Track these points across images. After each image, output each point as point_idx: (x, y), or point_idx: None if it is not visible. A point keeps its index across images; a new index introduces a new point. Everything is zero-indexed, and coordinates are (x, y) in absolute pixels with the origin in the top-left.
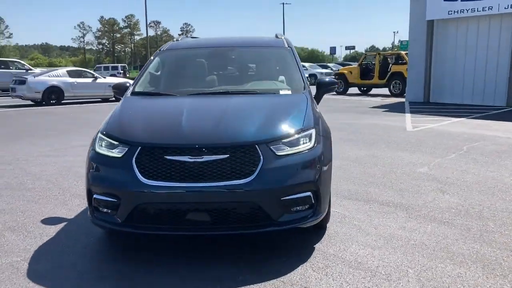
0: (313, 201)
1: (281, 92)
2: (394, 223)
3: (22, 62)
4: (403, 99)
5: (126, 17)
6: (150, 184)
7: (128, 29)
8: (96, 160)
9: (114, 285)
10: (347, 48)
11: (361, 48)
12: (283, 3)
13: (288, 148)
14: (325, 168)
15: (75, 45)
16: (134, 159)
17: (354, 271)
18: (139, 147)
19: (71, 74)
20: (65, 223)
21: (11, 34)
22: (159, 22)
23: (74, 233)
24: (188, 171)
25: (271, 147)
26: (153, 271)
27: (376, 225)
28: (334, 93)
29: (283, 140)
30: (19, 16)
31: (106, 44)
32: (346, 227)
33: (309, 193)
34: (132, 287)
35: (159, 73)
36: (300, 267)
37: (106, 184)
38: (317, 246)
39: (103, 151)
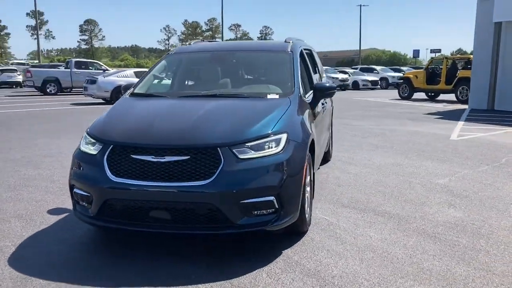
0: (276, 206)
1: (269, 96)
2: (377, 234)
3: (100, 63)
4: (467, 106)
5: (208, 20)
6: (117, 181)
7: (210, 32)
8: (78, 157)
9: (80, 275)
10: (432, 51)
11: (447, 51)
12: (360, 5)
13: (253, 151)
14: (293, 172)
15: (161, 47)
16: (105, 157)
17: (307, 279)
18: (111, 146)
19: (137, 74)
20: (67, 213)
21: (104, 36)
22: (239, 25)
23: (72, 224)
24: (151, 171)
25: (234, 150)
26: (119, 263)
27: (357, 235)
28: (398, 98)
29: (247, 144)
30: (111, 19)
31: None
32: (325, 235)
33: (271, 198)
34: (97, 278)
35: (163, 75)
36: (256, 271)
37: (82, 179)
38: (285, 251)
39: (84, 148)
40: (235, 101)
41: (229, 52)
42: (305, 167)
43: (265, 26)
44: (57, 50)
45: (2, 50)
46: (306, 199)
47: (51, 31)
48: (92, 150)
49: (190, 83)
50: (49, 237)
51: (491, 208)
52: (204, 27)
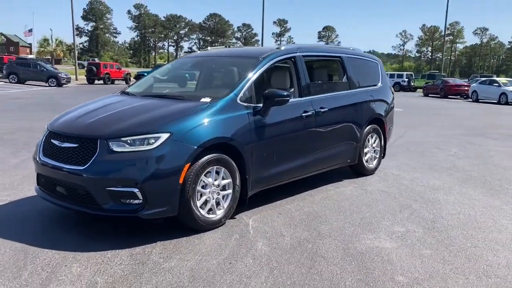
0: (140, 198)
1: (202, 100)
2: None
3: None
4: None
5: (450, 24)
6: (43, 159)
7: (451, 37)
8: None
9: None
10: None
11: None
12: None
13: (128, 146)
14: (165, 170)
15: (397, 52)
16: (42, 140)
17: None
18: (47, 132)
19: None
20: None
21: (339, 42)
22: (486, 29)
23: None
24: (56, 153)
25: (109, 142)
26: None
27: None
28: None
29: (123, 138)
30: (349, 25)
31: (425, 52)
32: (220, 234)
33: (135, 189)
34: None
35: (165, 77)
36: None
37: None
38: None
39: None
40: (161, 102)
41: (212, 58)
42: (185, 167)
43: None
44: None
45: None
46: (190, 197)
47: (292, 37)
48: (43, 134)
49: (161, 84)
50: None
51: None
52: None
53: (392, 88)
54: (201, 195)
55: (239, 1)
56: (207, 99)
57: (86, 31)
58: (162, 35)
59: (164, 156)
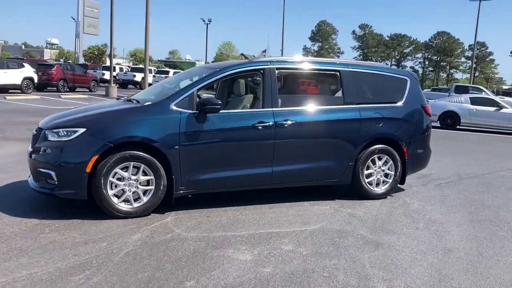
0: (55, 179)
1: (145, 103)
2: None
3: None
4: None
5: None
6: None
7: None
8: None
9: None
10: None
11: None
12: None
13: (56, 136)
14: (74, 159)
15: None
16: None
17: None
18: None
19: (473, 101)
20: None
21: None
22: None
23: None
24: (33, 140)
25: (46, 132)
26: None
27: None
28: None
29: (54, 130)
30: None
31: None
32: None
33: (51, 172)
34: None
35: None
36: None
37: None
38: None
39: None
40: (116, 103)
41: (197, 69)
42: (92, 158)
43: None
44: None
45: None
46: (101, 185)
47: None
48: None
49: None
50: None
51: None
52: None
53: (427, 109)
54: (116, 186)
55: (469, 20)
56: (149, 102)
57: (312, 51)
58: (384, 54)
59: (75, 146)
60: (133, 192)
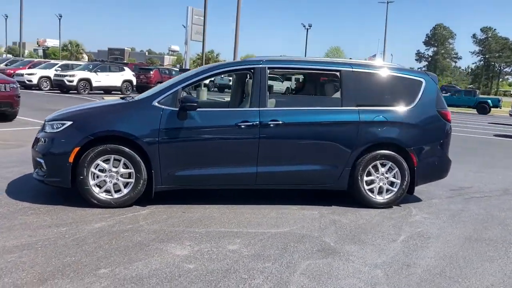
0: (44, 167)
1: (134, 98)
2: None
3: None
4: None
5: None
6: None
7: None
8: None
9: None
10: None
11: None
12: None
13: (51, 128)
14: (59, 149)
15: None
16: None
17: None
18: None
19: None
20: None
21: None
22: None
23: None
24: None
25: (46, 124)
26: None
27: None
28: None
29: (50, 122)
30: None
31: None
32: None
33: (42, 160)
34: None
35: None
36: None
37: None
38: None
39: None
40: (110, 101)
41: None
42: (74, 149)
43: None
44: None
45: None
46: (83, 175)
47: None
48: None
49: None
50: None
51: None
52: None
53: (445, 114)
54: (97, 177)
55: None
56: (138, 98)
57: (426, 56)
58: (510, 60)
59: (61, 138)
60: (114, 184)
